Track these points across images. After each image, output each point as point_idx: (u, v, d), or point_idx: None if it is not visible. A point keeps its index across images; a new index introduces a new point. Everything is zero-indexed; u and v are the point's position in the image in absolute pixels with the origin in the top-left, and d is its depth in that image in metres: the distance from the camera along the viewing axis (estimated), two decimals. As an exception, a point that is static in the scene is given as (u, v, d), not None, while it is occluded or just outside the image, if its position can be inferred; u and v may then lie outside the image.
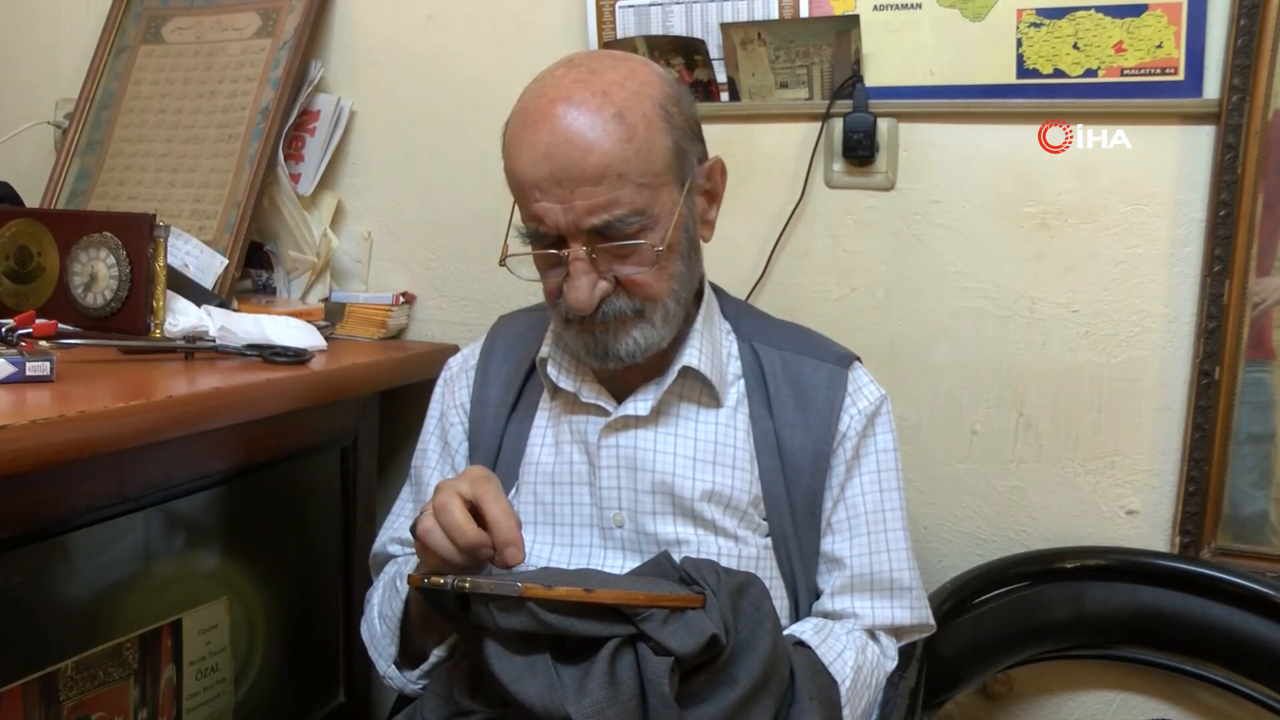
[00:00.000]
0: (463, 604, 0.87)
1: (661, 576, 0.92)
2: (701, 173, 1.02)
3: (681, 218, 0.98)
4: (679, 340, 1.05)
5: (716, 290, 1.14)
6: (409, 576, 0.92)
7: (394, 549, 1.16)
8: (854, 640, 1.02)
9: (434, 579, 0.85)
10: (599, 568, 1.03)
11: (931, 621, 1.11)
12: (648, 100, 0.94)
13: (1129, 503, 1.35)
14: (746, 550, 1.02)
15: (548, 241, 0.96)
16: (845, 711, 0.97)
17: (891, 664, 1.07)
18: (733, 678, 0.86)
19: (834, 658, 0.99)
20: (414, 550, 1.12)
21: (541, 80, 0.97)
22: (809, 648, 0.98)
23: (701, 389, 1.06)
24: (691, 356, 1.03)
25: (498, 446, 1.10)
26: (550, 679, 0.81)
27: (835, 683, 0.97)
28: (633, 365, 1.01)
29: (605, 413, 1.05)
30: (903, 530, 1.07)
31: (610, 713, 0.80)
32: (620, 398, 1.05)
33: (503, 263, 1.01)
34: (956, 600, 1.28)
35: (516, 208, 0.99)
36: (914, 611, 1.08)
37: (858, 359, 1.11)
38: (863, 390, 1.08)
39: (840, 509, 1.06)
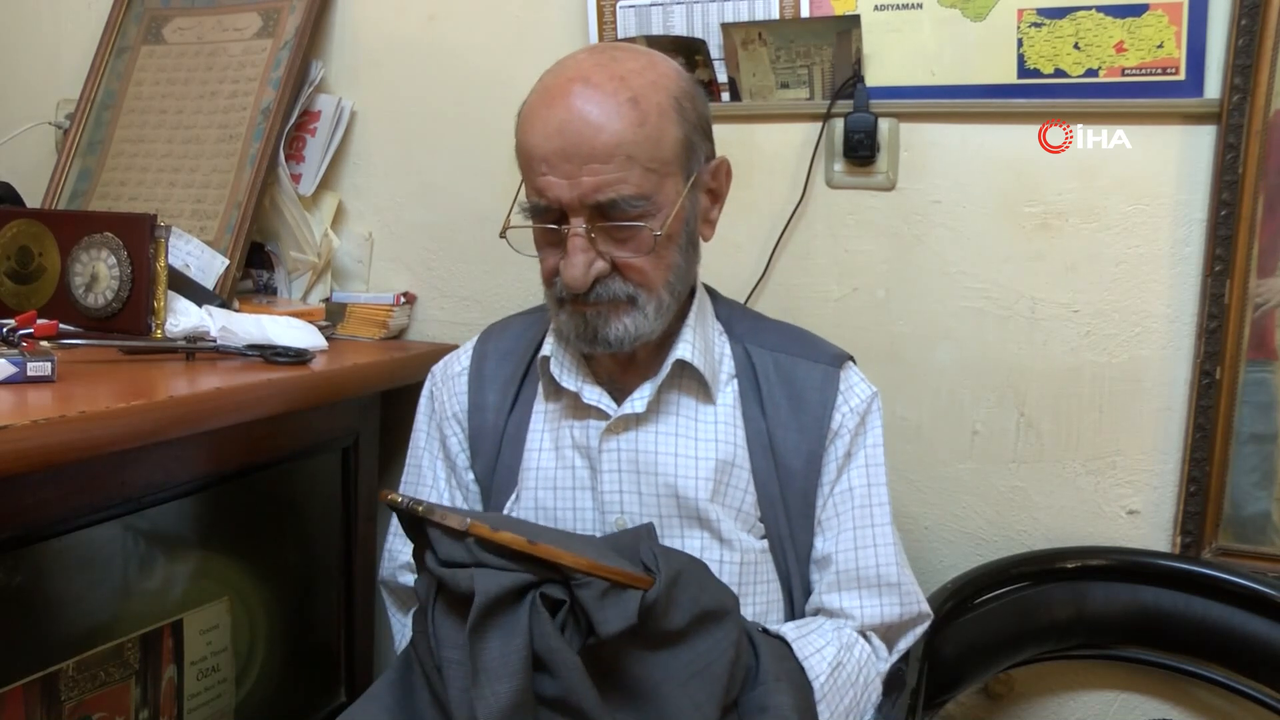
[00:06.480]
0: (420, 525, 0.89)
1: (639, 546, 0.92)
2: (708, 170, 1.04)
3: (683, 210, 0.99)
4: (672, 336, 1.05)
5: (710, 292, 1.14)
6: (381, 492, 0.95)
7: (405, 578, 1.16)
8: (841, 637, 1.02)
9: (393, 496, 0.89)
10: None
11: (926, 609, 1.10)
12: (663, 91, 0.97)
13: (1130, 503, 1.35)
14: (747, 553, 1.03)
15: (549, 217, 0.98)
16: (822, 707, 0.96)
17: (884, 665, 1.07)
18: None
19: (811, 652, 0.98)
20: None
21: (563, 62, 1.00)
22: (786, 642, 0.98)
23: (696, 386, 1.06)
24: (684, 350, 1.04)
25: (497, 450, 1.10)
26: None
27: (809, 681, 0.96)
28: (624, 357, 1.02)
29: (605, 415, 1.05)
30: (889, 524, 1.07)
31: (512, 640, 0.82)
32: (620, 401, 1.06)
33: (503, 234, 1.03)
34: (958, 600, 1.28)
35: (522, 187, 1.00)
36: (903, 607, 1.07)
37: (851, 358, 1.11)
38: (854, 389, 1.08)
39: (829, 505, 1.06)
